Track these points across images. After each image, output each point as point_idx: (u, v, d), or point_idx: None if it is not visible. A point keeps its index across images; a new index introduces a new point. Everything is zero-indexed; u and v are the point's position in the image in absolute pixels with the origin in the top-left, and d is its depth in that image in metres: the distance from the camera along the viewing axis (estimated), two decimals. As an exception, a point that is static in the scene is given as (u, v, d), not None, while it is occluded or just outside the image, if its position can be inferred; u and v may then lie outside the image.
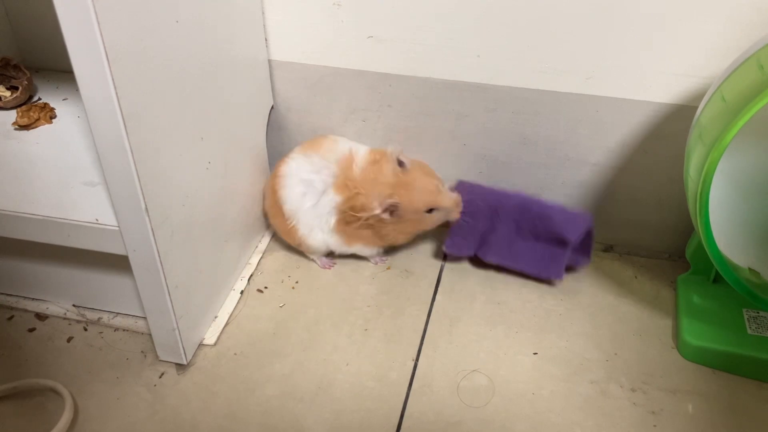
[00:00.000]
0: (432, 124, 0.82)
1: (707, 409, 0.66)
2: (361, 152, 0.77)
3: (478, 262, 0.84)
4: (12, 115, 0.79)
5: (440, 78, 0.78)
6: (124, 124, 0.54)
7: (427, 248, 0.86)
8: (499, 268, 0.82)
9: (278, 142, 0.88)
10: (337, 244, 0.79)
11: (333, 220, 0.77)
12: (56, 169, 0.71)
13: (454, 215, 0.77)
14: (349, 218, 0.75)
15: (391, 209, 0.74)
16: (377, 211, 0.73)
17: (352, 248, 0.80)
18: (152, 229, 0.60)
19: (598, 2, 0.68)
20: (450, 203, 0.76)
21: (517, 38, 0.72)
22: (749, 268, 0.69)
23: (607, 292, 0.80)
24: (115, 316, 0.76)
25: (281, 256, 0.85)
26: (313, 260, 0.83)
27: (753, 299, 0.66)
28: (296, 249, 0.83)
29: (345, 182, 0.75)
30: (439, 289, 0.80)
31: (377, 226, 0.76)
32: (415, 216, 0.75)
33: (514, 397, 0.68)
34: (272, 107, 0.85)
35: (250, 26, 0.76)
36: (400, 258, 0.84)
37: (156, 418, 0.66)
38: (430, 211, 0.75)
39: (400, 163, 0.75)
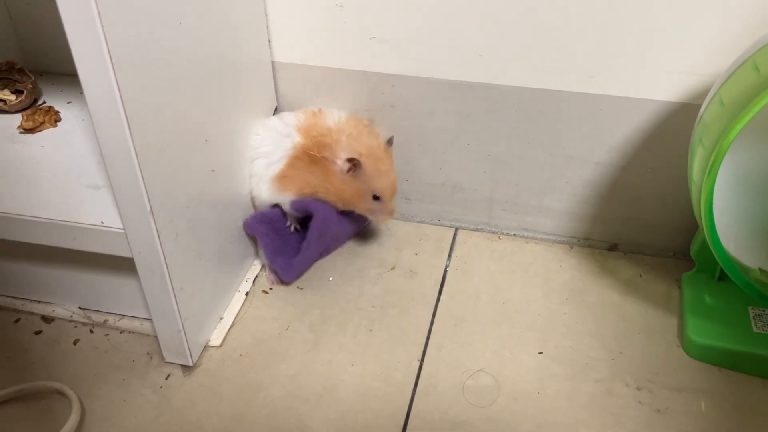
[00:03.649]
0: (435, 124, 0.82)
1: (713, 407, 0.66)
2: (340, 113, 0.78)
3: (482, 262, 0.84)
4: (17, 118, 0.79)
5: (443, 78, 0.78)
6: (129, 126, 0.54)
7: (431, 248, 0.86)
8: (503, 268, 0.83)
9: (282, 144, 0.88)
10: (267, 193, 0.78)
11: (280, 166, 0.76)
12: (61, 172, 0.71)
13: (379, 219, 0.78)
14: (303, 158, 0.74)
15: (354, 164, 0.73)
16: (340, 159, 0.73)
17: (280, 196, 0.78)
18: (157, 231, 0.60)
19: (600, 1, 0.68)
20: (389, 208, 0.77)
21: (520, 38, 0.72)
22: (760, 269, 0.69)
23: (612, 291, 0.79)
24: (120, 319, 0.77)
25: (286, 257, 0.85)
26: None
27: (763, 300, 0.66)
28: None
29: (311, 127, 0.75)
30: (444, 289, 0.80)
31: (320, 177, 0.75)
32: (361, 190, 0.75)
33: (520, 397, 0.68)
34: (276, 108, 0.85)
35: (253, 28, 0.76)
36: (405, 258, 0.85)
37: (162, 419, 0.66)
38: (375, 198, 0.75)
39: (389, 141, 0.77)
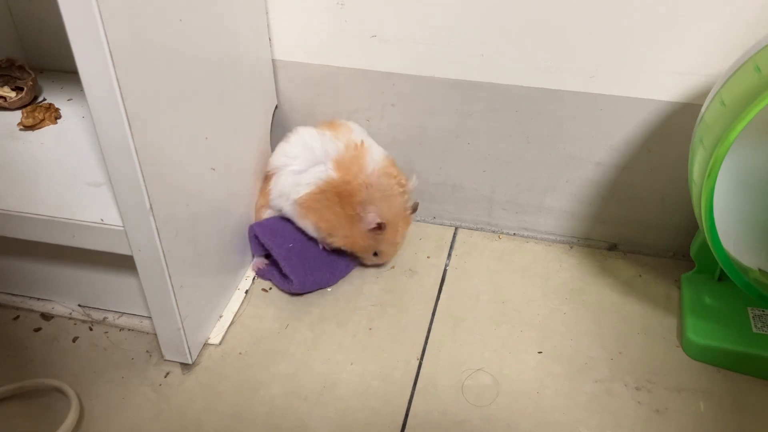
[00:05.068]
0: (436, 123, 0.82)
1: (712, 407, 0.66)
2: (377, 152, 0.78)
3: (482, 261, 0.84)
4: (17, 115, 0.79)
5: (444, 77, 0.78)
6: (129, 124, 0.54)
7: (430, 248, 0.86)
8: (503, 267, 0.83)
9: (282, 142, 0.88)
10: (291, 213, 0.79)
11: (306, 191, 0.76)
12: (61, 170, 0.71)
13: (367, 263, 0.82)
14: (331, 198, 0.75)
15: (378, 228, 0.75)
16: (370, 216, 0.74)
17: (300, 222, 0.79)
18: (157, 229, 0.60)
19: (600, 1, 0.68)
20: (381, 262, 0.82)
21: (521, 37, 0.72)
22: (759, 269, 0.69)
23: (612, 291, 0.79)
24: (120, 316, 0.77)
25: (285, 255, 0.85)
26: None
27: (762, 301, 0.66)
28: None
29: (349, 165, 0.75)
30: (443, 288, 0.80)
31: (342, 220, 0.76)
32: (370, 246, 0.78)
33: (519, 396, 0.68)
34: (276, 107, 0.85)
35: (254, 26, 0.76)
36: (404, 257, 0.84)
37: (161, 417, 0.66)
38: (375, 254, 0.80)
39: (414, 208, 0.79)
